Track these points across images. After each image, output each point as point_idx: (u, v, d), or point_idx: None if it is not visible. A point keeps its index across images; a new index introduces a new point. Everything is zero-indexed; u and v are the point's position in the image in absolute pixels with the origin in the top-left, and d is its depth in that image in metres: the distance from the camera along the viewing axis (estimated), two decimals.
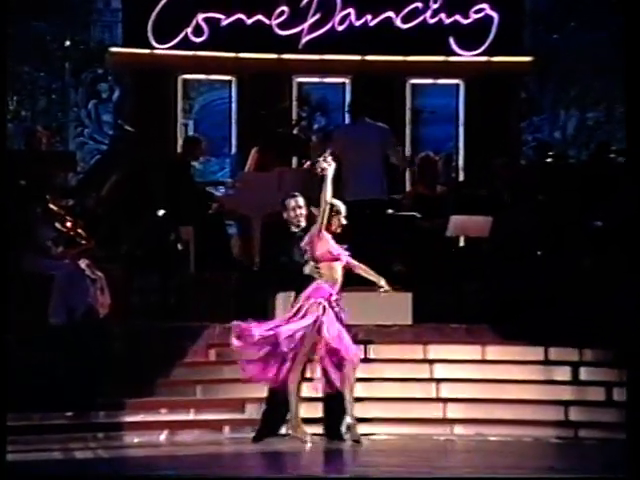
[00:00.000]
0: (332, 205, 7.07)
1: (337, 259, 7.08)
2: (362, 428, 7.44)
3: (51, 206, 8.51)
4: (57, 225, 8.48)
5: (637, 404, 6.27)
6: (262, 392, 7.21)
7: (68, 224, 8.54)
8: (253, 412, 7.44)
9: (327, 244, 7.07)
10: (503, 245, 8.98)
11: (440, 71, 11.00)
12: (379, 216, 8.97)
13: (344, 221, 7.14)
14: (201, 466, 6.49)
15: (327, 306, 6.97)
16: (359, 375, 7.55)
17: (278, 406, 7.04)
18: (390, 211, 9.30)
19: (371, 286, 7.34)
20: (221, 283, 9.00)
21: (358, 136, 9.00)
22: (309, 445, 6.90)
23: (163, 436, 7.31)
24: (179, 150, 10.55)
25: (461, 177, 10.94)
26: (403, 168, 9.94)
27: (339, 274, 7.09)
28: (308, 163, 9.60)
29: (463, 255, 8.96)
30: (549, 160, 9.68)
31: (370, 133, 9.02)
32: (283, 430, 7.15)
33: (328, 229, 7.08)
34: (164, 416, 7.44)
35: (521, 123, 11.27)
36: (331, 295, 7.02)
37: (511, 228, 9.02)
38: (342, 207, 7.15)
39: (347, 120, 10.15)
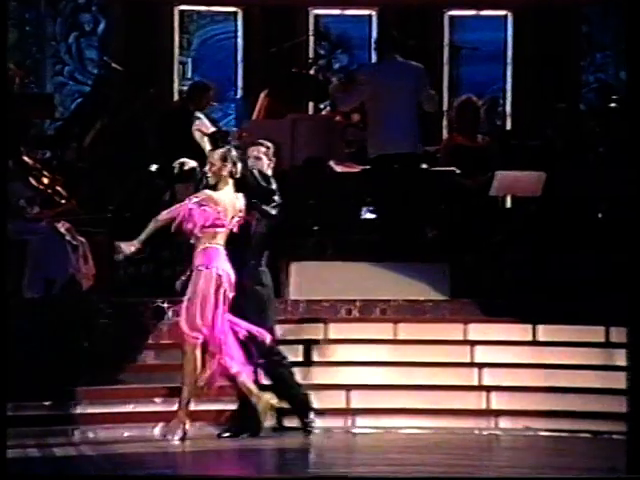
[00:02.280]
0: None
1: None
2: (390, 420, 7.45)
3: (25, 159, 8.51)
4: (32, 181, 8.49)
5: None
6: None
7: (45, 180, 8.54)
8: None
9: None
10: (558, 206, 8.92)
11: (484, 0, 10.89)
12: (411, 173, 8.90)
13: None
14: (200, 464, 6.52)
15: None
16: (386, 358, 7.56)
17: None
18: (424, 166, 9.25)
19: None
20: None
21: (387, 77, 8.91)
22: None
23: (157, 429, 7.34)
24: (177, 94, 10.52)
25: (508, 125, 10.86)
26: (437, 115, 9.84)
27: None
28: (327, 109, 9.56)
29: (510, 218, 8.91)
30: (613, 105, 9.58)
31: (402, 74, 8.93)
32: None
33: None
34: (158, 406, 7.47)
35: (581, 62, 11.15)
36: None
37: (567, 186, 8.95)
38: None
39: (374, 59, 10.07)
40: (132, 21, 10.86)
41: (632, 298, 5.90)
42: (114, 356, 7.64)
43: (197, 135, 7.29)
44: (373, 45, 10.03)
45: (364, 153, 9.09)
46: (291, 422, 7.37)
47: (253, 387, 7.00)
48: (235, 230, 7.09)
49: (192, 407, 7.09)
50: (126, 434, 7.24)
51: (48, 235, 8.21)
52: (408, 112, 8.88)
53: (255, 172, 7.24)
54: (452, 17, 11.08)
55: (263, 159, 7.39)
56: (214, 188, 7.12)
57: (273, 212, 7.20)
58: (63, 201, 8.53)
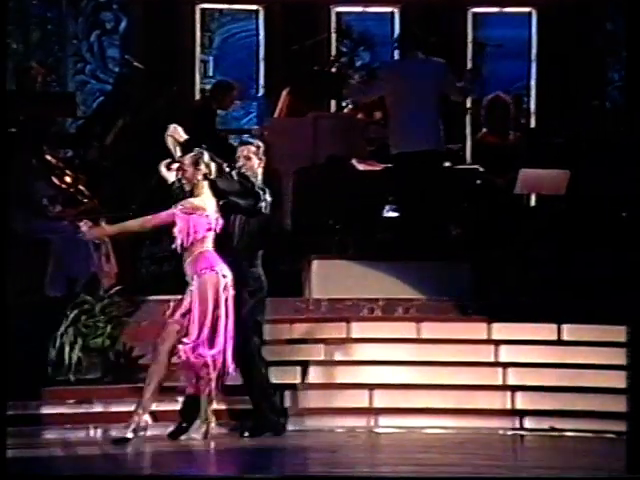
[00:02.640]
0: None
1: None
2: (413, 420, 7.43)
3: (47, 157, 8.53)
4: (54, 180, 8.50)
5: None
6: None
7: (67, 179, 8.56)
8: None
9: None
10: (583, 205, 8.87)
11: None
12: (434, 171, 8.87)
13: None
14: (223, 462, 6.52)
15: None
16: (409, 357, 7.54)
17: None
18: (447, 164, 9.21)
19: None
20: None
21: (409, 74, 8.89)
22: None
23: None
24: (199, 93, 10.51)
25: (532, 123, 10.81)
26: (465, 99, 9.72)
27: None
28: (349, 107, 9.53)
29: (534, 216, 8.86)
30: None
31: (423, 70, 8.90)
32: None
33: None
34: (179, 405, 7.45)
35: (605, 59, 11.09)
36: None
37: (591, 184, 8.90)
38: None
39: (396, 56, 10.04)
40: (153, 19, 10.86)
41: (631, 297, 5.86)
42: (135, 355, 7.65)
43: (169, 141, 7.30)
44: (395, 43, 10.02)
45: (386, 151, 9.06)
46: (315, 423, 7.37)
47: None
48: (218, 231, 7.02)
49: (215, 406, 7.06)
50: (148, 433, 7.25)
51: (70, 234, 8.23)
52: (430, 110, 8.84)
53: (233, 173, 7.19)
54: (475, 14, 11.03)
55: (253, 158, 7.32)
56: (192, 194, 7.06)
57: (261, 209, 7.11)
58: (85, 200, 8.54)
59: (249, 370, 7.11)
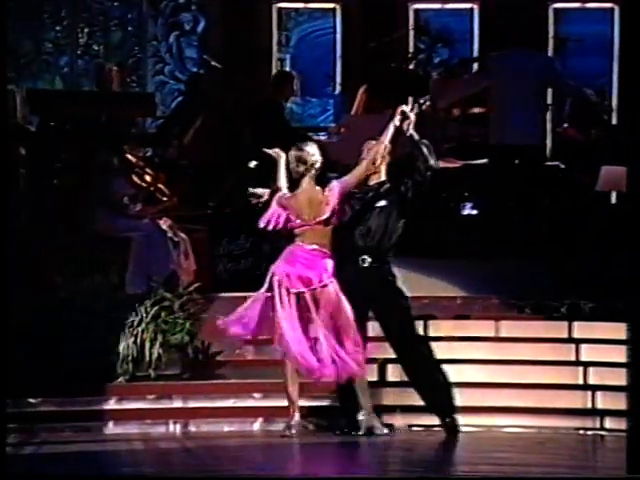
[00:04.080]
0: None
1: None
2: (493, 419, 7.41)
3: (128, 156, 8.65)
4: (135, 179, 8.63)
5: None
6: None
7: (147, 178, 8.69)
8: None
9: None
10: None
11: None
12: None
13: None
14: (311, 460, 6.57)
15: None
16: (488, 356, 7.50)
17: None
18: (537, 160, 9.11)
19: None
20: None
21: (517, 67, 8.83)
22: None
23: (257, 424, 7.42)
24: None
25: (614, 120, 10.69)
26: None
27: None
28: (428, 103, 9.51)
29: (616, 215, 8.78)
30: None
31: (531, 63, 8.84)
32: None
33: None
34: (258, 401, 7.54)
35: None
36: None
37: None
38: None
39: (475, 53, 10.00)
40: (231, 19, 10.95)
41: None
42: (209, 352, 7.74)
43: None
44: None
45: (464, 148, 9.02)
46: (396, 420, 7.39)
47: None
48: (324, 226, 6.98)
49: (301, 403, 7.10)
50: (226, 429, 7.34)
51: (150, 232, 8.35)
52: (534, 104, 8.81)
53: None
54: (557, 9, 10.94)
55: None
56: (294, 187, 7.09)
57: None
58: (165, 198, 8.66)
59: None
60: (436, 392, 7.13)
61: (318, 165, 7.11)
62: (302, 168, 7.07)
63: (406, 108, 7.14)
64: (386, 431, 7.05)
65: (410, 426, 7.42)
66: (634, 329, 5.77)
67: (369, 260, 7.09)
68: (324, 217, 7.01)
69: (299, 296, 6.93)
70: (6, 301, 5.90)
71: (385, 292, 7.10)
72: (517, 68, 8.80)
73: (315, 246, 6.99)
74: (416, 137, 7.11)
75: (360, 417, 7.00)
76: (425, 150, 7.11)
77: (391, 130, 7.08)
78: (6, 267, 5.93)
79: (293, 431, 6.95)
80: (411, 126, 7.10)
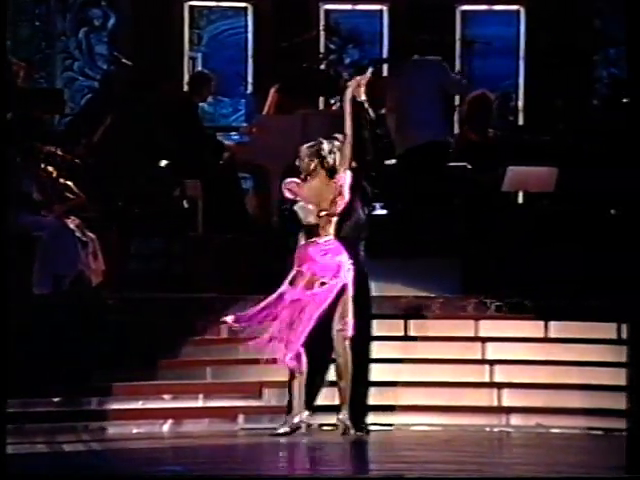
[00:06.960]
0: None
1: None
2: (400, 417, 7.43)
3: (35, 154, 8.52)
4: (41, 177, 8.50)
5: None
6: (282, 375, 7.22)
7: (55, 176, 8.56)
8: (272, 398, 7.46)
9: None
10: (570, 202, 8.88)
11: None
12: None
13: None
14: (211, 461, 6.52)
15: None
16: (397, 355, 7.53)
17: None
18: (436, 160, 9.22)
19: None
20: (234, 247, 9.00)
21: (408, 75, 9.00)
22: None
23: (167, 426, 7.35)
24: (185, 88, 10.52)
25: (520, 120, 10.84)
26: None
27: None
28: (337, 104, 9.54)
29: (521, 214, 8.88)
30: (626, 100, 9.54)
31: (422, 70, 9.00)
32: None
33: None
34: (168, 403, 7.47)
35: (593, 56, 11.12)
36: None
37: (581, 182, 8.91)
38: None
39: (384, 54, 10.06)
40: (142, 16, 10.86)
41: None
42: (124, 352, 7.65)
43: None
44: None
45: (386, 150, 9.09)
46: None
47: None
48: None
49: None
50: (135, 430, 7.27)
51: (58, 231, 8.23)
52: (433, 104, 8.92)
53: None
54: (464, 12, 11.06)
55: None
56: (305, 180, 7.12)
57: None
58: (73, 197, 8.55)
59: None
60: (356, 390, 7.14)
61: (331, 161, 7.09)
62: (314, 164, 7.08)
63: (359, 77, 7.16)
64: (303, 430, 7.05)
65: (321, 425, 7.41)
66: (634, 329, 5.81)
67: None
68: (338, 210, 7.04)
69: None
70: (6, 301, 5.78)
71: None
72: (410, 75, 8.92)
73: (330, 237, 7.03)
74: (366, 104, 7.13)
75: (291, 417, 7.00)
76: (372, 114, 7.18)
77: (348, 109, 7.06)
78: (6, 267, 5.80)
79: (287, 428, 6.95)
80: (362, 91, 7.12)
